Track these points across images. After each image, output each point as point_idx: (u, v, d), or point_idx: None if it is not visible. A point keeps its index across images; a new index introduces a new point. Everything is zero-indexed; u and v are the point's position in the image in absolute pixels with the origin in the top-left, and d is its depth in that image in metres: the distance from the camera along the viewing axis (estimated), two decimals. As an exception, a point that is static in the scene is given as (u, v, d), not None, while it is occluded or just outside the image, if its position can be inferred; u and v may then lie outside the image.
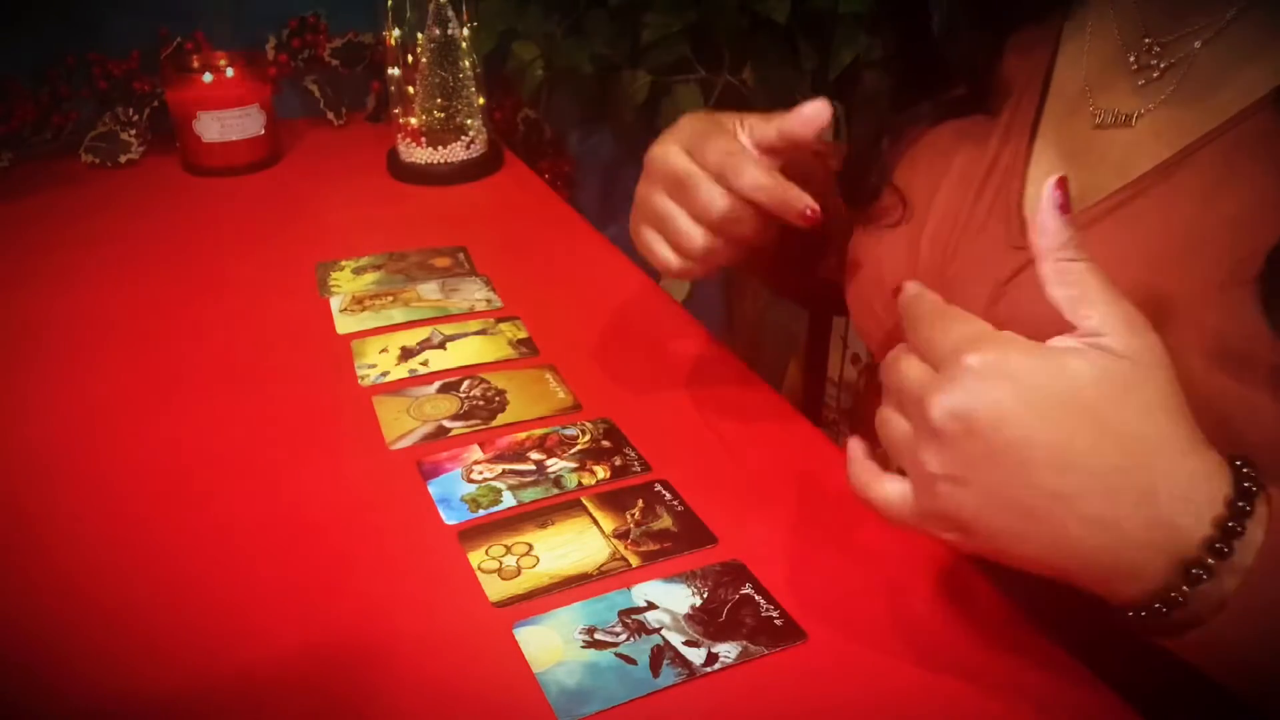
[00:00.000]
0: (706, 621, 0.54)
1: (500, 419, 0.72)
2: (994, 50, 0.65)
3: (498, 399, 0.75)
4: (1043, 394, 0.41)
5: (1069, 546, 0.42)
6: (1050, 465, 0.41)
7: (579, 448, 0.69)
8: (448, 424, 0.72)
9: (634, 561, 0.59)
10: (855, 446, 0.48)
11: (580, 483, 0.66)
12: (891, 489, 0.46)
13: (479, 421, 0.72)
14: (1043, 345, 0.43)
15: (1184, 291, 0.49)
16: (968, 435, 0.42)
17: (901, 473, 0.46)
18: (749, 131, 0.61)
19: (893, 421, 0.46)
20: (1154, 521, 0.40)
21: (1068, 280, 0.43)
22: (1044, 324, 0.54)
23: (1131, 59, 0.58)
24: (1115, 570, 0.42)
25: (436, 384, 0.77)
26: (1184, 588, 0.40)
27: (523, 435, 0.70)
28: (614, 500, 0.64)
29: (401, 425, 0.71)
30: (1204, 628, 0.41)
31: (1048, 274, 0.44)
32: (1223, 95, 0.53)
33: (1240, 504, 0.40)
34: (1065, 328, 0.45)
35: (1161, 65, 0.56)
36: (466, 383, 0.77)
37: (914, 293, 0.48)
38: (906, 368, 0.46)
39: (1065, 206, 0.44)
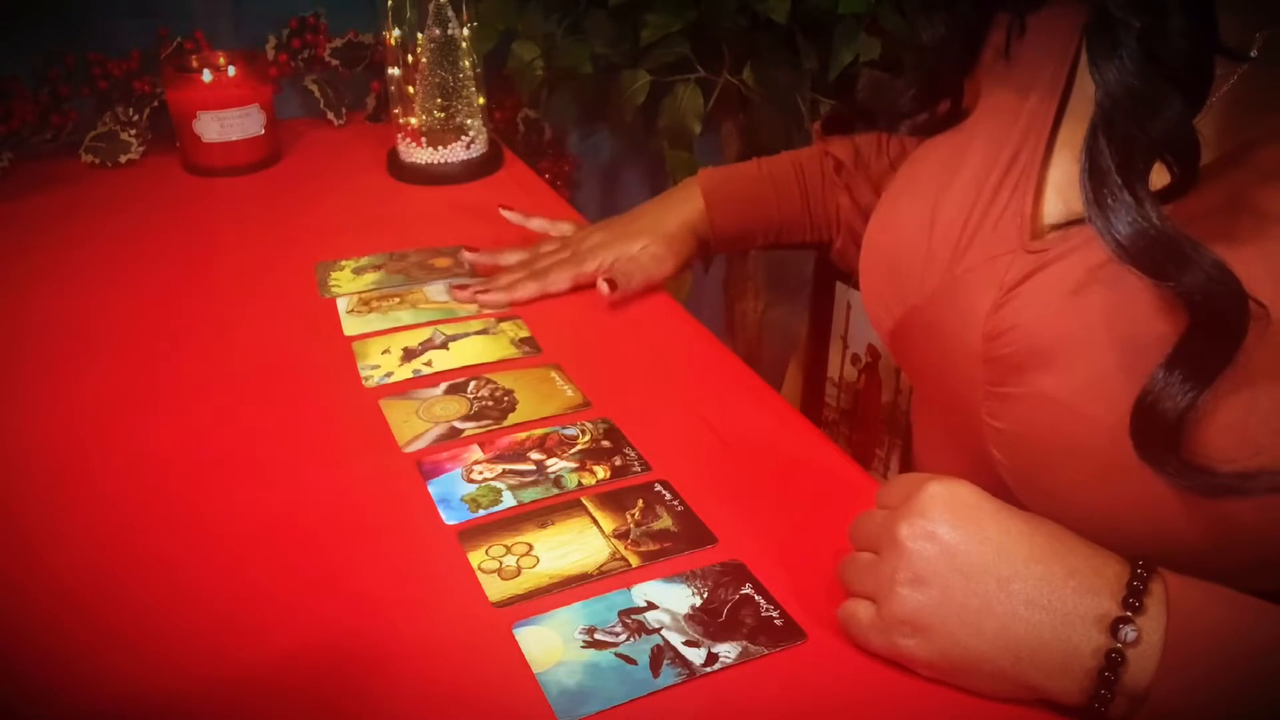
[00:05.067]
0: (706, 621, 0.55)
1: (512, 418, 0.72)
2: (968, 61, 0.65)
3: (506, 399, 0.75)
4: (980, 513, 0.51)
5: (1017, 631, 0.48)
6: (995, 561, 0.49)
7: (579, 448, 0.69)
8: (459, 425, 0.72)
9: (634, 561, 0.59)
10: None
11: (580, 483, 0.66)
12: (859, 605, 0.52)
13: (491, 422, 0.72)
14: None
15: None
16: (929, 541, 0.49)
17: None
18: None
19: (859, 559, 0.53)
20: (1082, 589, 0.48)
21: None
22: (1039, 336, 0.54)
23: None
24: (1058, 651, 0.47)
25: (443, 385, 0.77)
26: (1115, 651, 0.46)
27: (523, 435, 0.71)
28: (614, 500, 0.64)
29: (413, 427, 0.71)
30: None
31: None
32: (1246, 121, 0.52)
33: (1139, 570, 0.48)
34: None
35: None
36: (473, 384, 0.77)
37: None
38: (869, 516, 0.54)
39: None
